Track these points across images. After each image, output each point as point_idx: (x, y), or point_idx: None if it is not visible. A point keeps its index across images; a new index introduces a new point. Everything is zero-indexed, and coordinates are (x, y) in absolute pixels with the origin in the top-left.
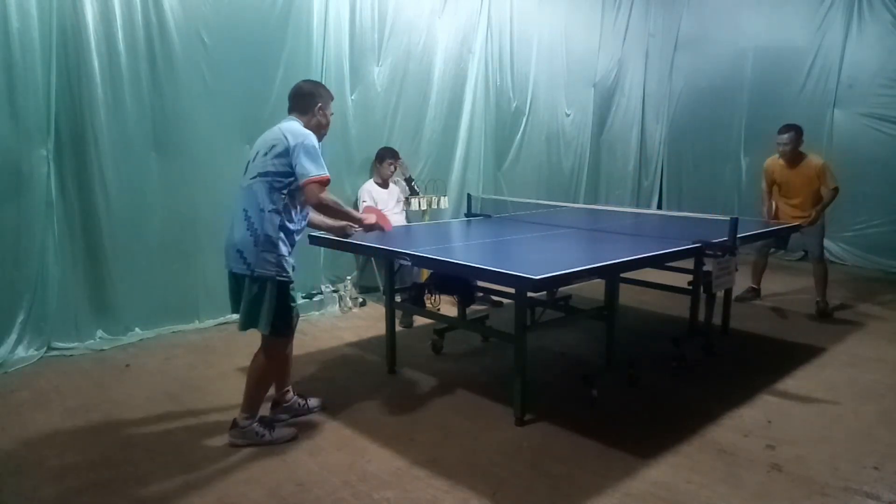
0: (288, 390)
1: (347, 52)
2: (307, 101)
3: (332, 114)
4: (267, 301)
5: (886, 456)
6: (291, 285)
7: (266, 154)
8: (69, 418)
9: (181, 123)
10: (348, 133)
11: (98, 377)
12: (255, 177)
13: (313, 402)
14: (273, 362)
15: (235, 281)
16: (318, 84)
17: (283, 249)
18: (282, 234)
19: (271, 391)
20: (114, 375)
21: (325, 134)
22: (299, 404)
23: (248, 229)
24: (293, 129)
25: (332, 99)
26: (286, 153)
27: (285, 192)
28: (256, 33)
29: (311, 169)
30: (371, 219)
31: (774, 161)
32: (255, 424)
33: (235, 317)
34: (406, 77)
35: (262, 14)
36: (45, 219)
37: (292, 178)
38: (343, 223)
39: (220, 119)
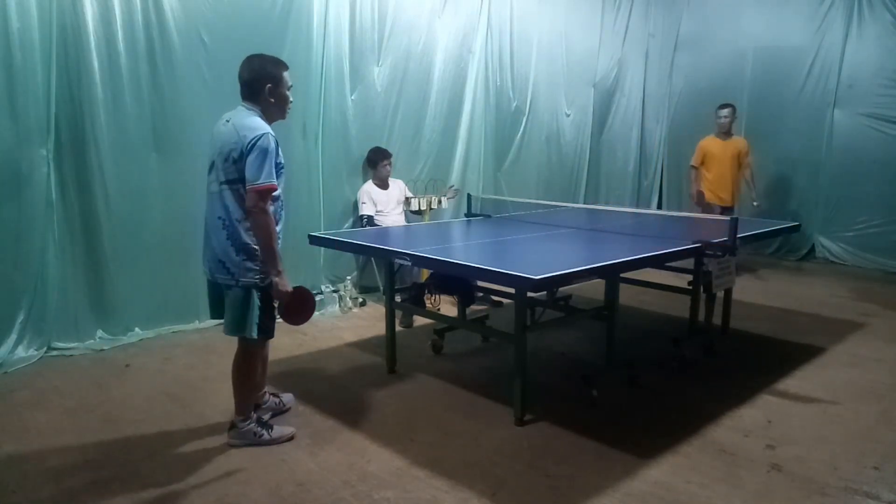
0: (265, 392)
1: (347, 52)
2: (253, 87)
3: (291, 86)
4: (253, 308)
5: (886, 456)
6: None
7: (227, 160)
8: (69, 418)
9: (181, 123)
10: (348, 133)
11: (98, 377)
12: (223, 183)
13: (286, 397)
14: (256, 362)
15: (216, 288)
16: (264, 60)
17: None
18: None
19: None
20: (114, 375)
21: (289, 109)
22: (276, 403)
23: (227, 238)
24: (248, 126)
25: (284, 69)
26: (242, 157)
27: None
28: (256, 33)
29: (255, 174)
30: (287, 287)
31: None
32: (253, 425)
33: None
34: (406, 77)
35: (262, 14)
36: (45, 219)
37: None
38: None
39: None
